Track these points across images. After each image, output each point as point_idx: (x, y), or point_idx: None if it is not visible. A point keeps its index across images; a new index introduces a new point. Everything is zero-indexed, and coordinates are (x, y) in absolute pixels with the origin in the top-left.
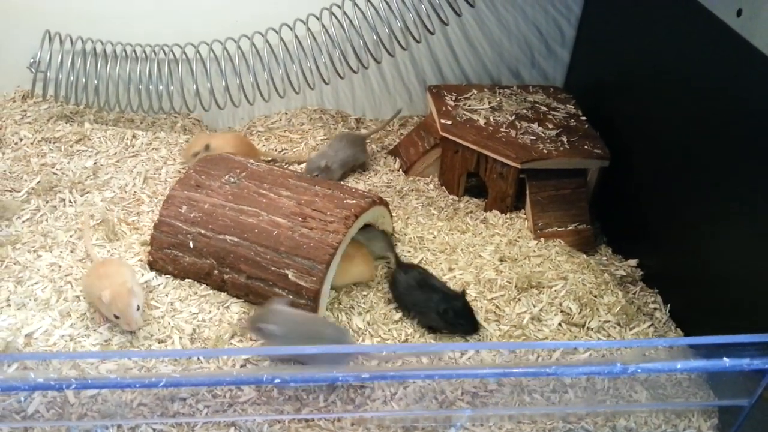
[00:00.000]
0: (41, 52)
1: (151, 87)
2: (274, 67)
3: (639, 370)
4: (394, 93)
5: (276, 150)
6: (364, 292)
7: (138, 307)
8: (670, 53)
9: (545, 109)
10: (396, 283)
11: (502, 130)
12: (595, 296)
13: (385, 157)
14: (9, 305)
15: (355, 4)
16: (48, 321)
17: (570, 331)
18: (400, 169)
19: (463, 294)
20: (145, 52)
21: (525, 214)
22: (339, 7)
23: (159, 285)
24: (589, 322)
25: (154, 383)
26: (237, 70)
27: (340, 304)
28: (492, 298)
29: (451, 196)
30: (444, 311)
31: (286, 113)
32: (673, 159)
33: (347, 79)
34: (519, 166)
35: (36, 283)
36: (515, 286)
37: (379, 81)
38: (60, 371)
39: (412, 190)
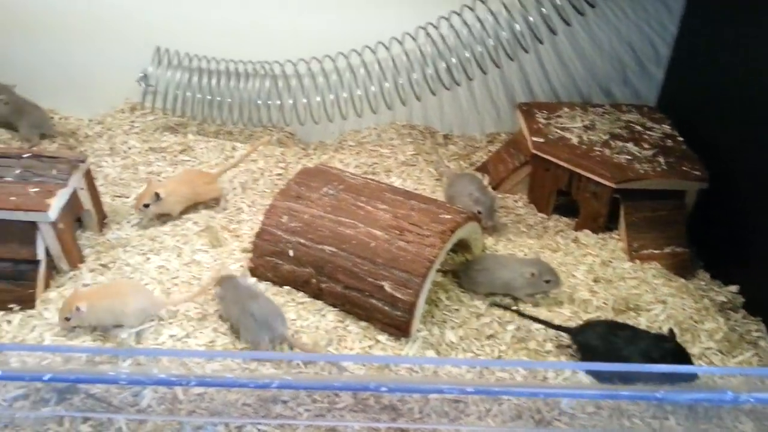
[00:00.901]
0: (152, 68)
1: (249, 101)
2: (368, 84)
3: (752, 400)
4: (482, 110)
5: (367, 164)
6: (456, 307)
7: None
8: None
9: (640, 128)
10: (592, 348)
11: (596, 149)
12: (696, 322)
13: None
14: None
15: (450, 25)
16: (156, 320)
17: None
18: (489, 186)
19: (671, 334)
20: (246, 68)
21: (618, 234)
22: (434, 27)
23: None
24: (690, 348)
25: (267, 384)
26: (332, 86)
27: (432, 317)
28: (587, 319)
29: (540, 214)
30: (662, 357)
31: (376, 128)
32: None
33: (435, 96)
34: (614, 186)
35: (145, 285)
36: (612, 308)
37: (467, 97)
38: (169, 369)
39: (501, 207)
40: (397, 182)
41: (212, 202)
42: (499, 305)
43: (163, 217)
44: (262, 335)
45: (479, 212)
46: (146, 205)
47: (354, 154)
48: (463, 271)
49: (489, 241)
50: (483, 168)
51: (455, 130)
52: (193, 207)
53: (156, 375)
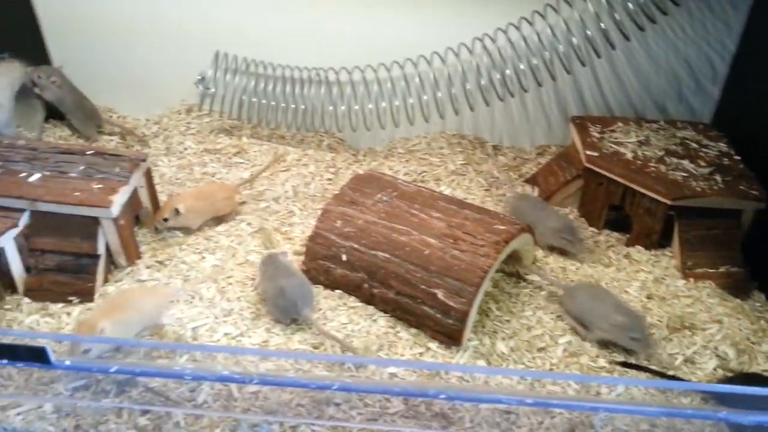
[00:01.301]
0: (213, 71)
1: (303, 106)
2: (421, 93)
3: None
4: (533, 121)
5: (416, 171)
6: (507, 318)
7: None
8: None
9: (695, 145)
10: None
11: (651, 164)
12: (753, 343)
13: (522, 186)
14: (177, 301)
15: (508, 38)
16: (212, 318)
17: (726, 377)
18: (539, 198)
19: None
20: (301, 74)
21: (671, 251)
22: (491, 38)
23: None
24: (747, 369)
25: (328, 386)
26: (385, 94)
27: (483, 327)
28: None
29: (591, 228)
30: None
31: (425, 137)
32: None
33: (486, 106)
34: (670, 203)
35: (201, 283)
36: (667, 326)
37: (519, 108)
38: (225, 366)
39: None
40: (446, 191)
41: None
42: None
43: (184, 230)
44: (286, 313)
45: (567, 240)
46: (165, 219)
47: (403, 161)
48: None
49: (539, 253)
50: (532, 180)
51: (505, 141)
52: (215, 220)
53: (220, 371)
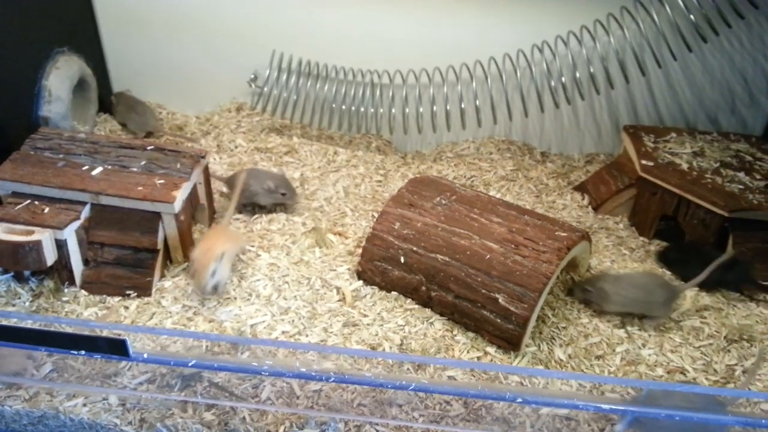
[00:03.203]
0: (269, 70)
1: (353, 108)
2: (474, 97)
3: None
4: (583, 129)
5: (465, 176)
6: (563, 325)
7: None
8: None
9: (750, 158)
10: None
11: (707, 176)
12: None
13: (571, 193)
14: (236, 299)
15: (565, 43)
16: (269, 316)
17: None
18: (589, 206)
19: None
20: (355, 76)
21: None
22: (548, 45)
23: (367, 294)
24: None
25: (405, 386)
26: (436, 98)
27: (541, 333)
28: (699, 346)
29: (641, 238)
30: None
31: (474, 141)
32: None
33: (536, 112)
34: (727, 215)
35: (257, 281)
36: (724, 337)
37: (570, 116)
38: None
39: (602, 228)
40: (496, 196)
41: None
42: None
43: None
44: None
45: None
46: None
47: (452, 165)
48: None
49: (593, 261)
50: (582, 188)
51: (553, 148)
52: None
53: (298, 368)
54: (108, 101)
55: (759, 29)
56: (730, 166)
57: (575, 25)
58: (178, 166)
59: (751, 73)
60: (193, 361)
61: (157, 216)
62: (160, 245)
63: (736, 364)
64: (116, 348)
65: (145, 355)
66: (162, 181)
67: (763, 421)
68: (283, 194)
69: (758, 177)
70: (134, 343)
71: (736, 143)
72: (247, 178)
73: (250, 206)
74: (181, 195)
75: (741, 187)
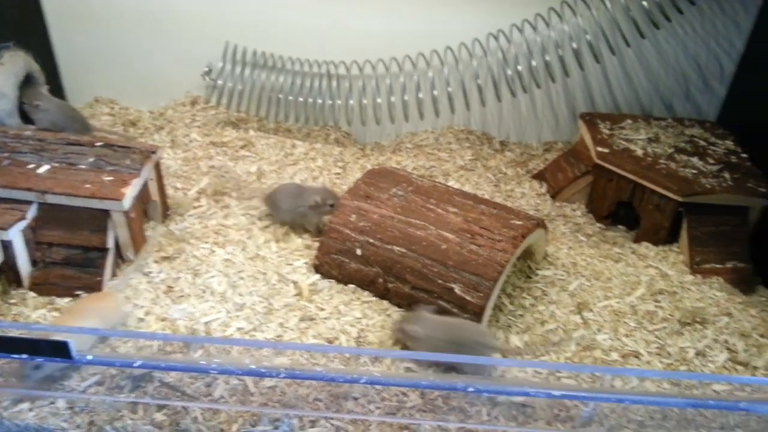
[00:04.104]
0: (222, 63)
1: (310, 100)
2: (431, 88)
3: None
4: (541, 118)
5: (425, 167)
6: (520, 312)
7: None
8: None
9: (703, 143)
10: None
11: (661, 161)
12: (761, 335)
13: (530, 181)
14: (189, 296)
15: (522, 35)
16: (224, 313)
17: (735, 369)
18: (547, 194)
19: None
20: (311, 68)
21: (678, 247)
22: (504, 34)
23: (324, 288)
24: (755, 361)
25: (357, 379)
26: (394, 88)
27: (498, 321)
28: (653, 330)
29: (598, 224)
30: None
31: (433, 132)
32: None
33: (494, 102)
34: (681, 200)
35: (212, 277)
36: (678, 320)
37: (527, 105)
38: (245, 360)
39: (559, 215)
40: (455, 186)
41: None
42: None
43: None
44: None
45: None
46: None
47: (412, 156)
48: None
49: (550, 248)
50: (540, 176)
51: (512, 137)
52: None
53: (247, 365)
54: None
55: (711, 15)
56: (684, 152)
57: (530, 13)
58: (128, 162)
59: (704, 59)
60: (139, 362)
61: (106, 214)
62: (110, 244)
63: (689, 347)
64: (59, 351)
65: (90, 357)
66: (111, 178)
67: (712, 401)
68: (332, 206)
69: (711, 162)
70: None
71: (691, 128)
72: (284, 198)
73: (292, 226)
74: (130, 192)
75: (695, 171)
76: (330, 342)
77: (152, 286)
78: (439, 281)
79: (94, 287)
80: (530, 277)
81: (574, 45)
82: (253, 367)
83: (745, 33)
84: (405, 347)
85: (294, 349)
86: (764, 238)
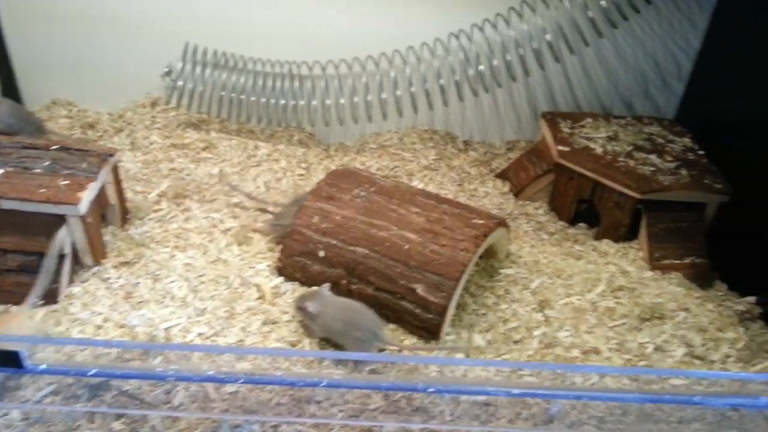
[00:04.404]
0: (182, 63)
1: (273, 101)
2: (394, 88)
3: None
4: (504, 117)
5: (389, 167)
6: (483, 311)
7: None
8: None
9: (662, 141)
10: None
11: (620, 159)
12: (718, 329)
13: (493, 180)
14: (149, 302)
15: (484, 35)
16: (184, 318)
17: (693, 363)
18: (510, 192)
19: None
20: (273, 68)
21: (638, 244)
22: (465, 34)
23: (287, 291)
24: (712, 355)
25: (316, 383)
26: (358, 88)
27: (461, 321)
28: (613, 326)
29: (561, 222)
30: None
31: (397, 132)
32: None
33: (457, 101)
34: (639, 197)
35: (172, 282)
36: (637, 316)
37: (490, 104)
38: (202, 367)
39: (522, 213)
40: (419, 186)
41: None
42: None
43: None
44: (368, 344)
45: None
46: None
47: (376, 156)
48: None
49: (513, 247)
50: (503, 175)
51: (475, 136)
52: None
53: (206, 372)
54: None
55: (668, 14)
56: (642, 149)
57: (491, 13)
58: (85, 165)
59: (662, 58)
60: (94, 370)
61: (62, 219)
62: (66, 249)
63: (648, 342)
64: (9, 360)
65: (43, 366)
66: (67, 182)
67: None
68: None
69: (669, 159)
70: (39, 354)
71: (649, 126)
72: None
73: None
74: (87, 196)
75: (653, 169)
76: (293, 345)
77: (111, 292)
78: (402, 282)
79: (51, 294)
80: (493, 276)
81: (535, 45)
82: (212, 373)
83: (701, 31)
84: (303, 325)
85: (255, 354)
86: (720, 233)
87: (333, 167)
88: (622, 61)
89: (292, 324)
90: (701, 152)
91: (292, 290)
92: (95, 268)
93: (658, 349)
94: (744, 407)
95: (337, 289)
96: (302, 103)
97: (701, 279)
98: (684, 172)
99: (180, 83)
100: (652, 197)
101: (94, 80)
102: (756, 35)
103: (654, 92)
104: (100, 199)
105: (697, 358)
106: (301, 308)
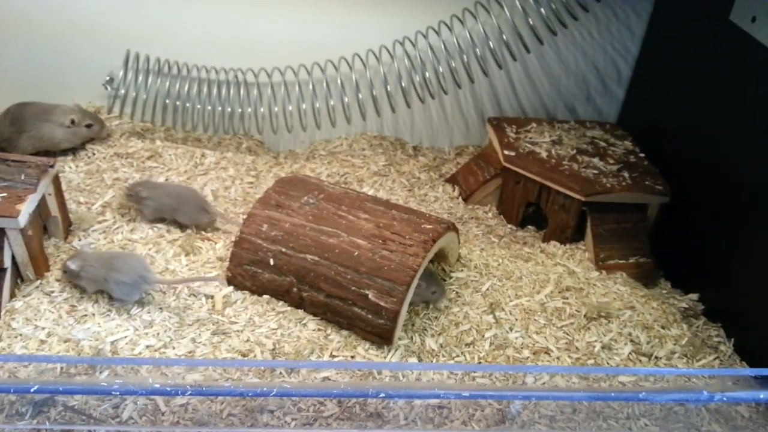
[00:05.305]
0: (124, 71)
1: (220, 108)
2: (343, 95)
3: (724, 399)
4: (452, 122)
5: (339, 173)
6: (435, 315)
7: None
8: (729, 91)
9: (604, 144)
10: None
11: (564, 163)
12: (662, 327)
13: (443, 185)
14: (94, 315)
15: (428, 42)
16: (131, 331)
17: (639, 360)
18: (459, 197)
19: None
20: (218, 75)
21: (584, 245)
22: (410, 40)
23: (238, 300)
24: (657, 352)
25: (267, 392)
26: (305, 95)
27: (413, 325)
28: (561, 326)
29: (509, 225)
30: None
31: (347, 138)
32: (733, 194)
33: (405, 107)
34: (583, 199)
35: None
36: (584, 315)
37: (438, 110)
38: (148, 380)
39: (472, 218)
40: (369, 192)
41: None
42: None
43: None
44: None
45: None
46: None
47: (326, 163)
48: None
49: (463, 250)
50: (453, 179)
51: (425, 142)
52: None
53: (152, 385)
54: None
55: (606, 21)
56: (585, 153)
57: (434, 20)
58: (23, 177)
59: (602, 64)
60: (36, 386)
61: (1, 232)
62: (7, 263)
63: (595, 341)
64: None
65: None
66: (4, 195)
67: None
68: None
69: (611, 162)
70: None
71: (592, 130)
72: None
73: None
74: (26, 208)
75: (596, 171)
76: (244, 355)
77: (54, 306)
78: (353, 288)
79: None
80: (444, 280)
81: (479, 51)
82: (158, 385)
83: (638, 38)
84: (77, 288)
85: (206, 365)
86: (663, 233)
87: (283, 174)
88: (564, 67)
89: (244, 334)
90: (642, 155)
91: (243, 299)
92: (38, 282)
93: (605, 347)
94: (688, 402)
95: (288, 297)
96: (249, 110)
97: (646, 278)
98: (626, 174)
99: (122, 92)
100: (596, 199)
101: (34, 89)
102: (690, 42)
103: (596, 97)
104: (41, 211)
105: (643, 355)
106: (64, 270)
